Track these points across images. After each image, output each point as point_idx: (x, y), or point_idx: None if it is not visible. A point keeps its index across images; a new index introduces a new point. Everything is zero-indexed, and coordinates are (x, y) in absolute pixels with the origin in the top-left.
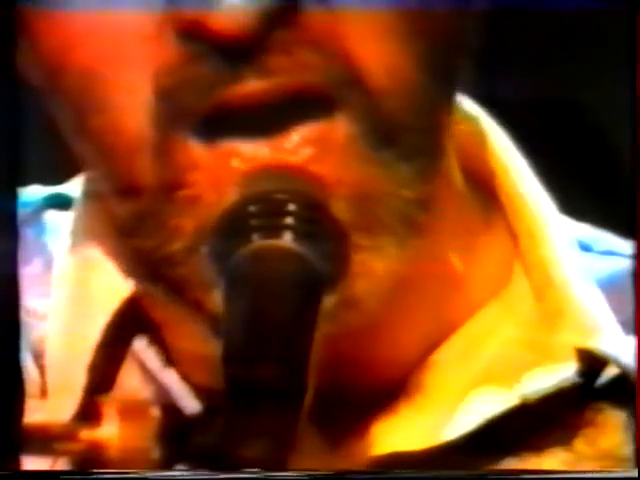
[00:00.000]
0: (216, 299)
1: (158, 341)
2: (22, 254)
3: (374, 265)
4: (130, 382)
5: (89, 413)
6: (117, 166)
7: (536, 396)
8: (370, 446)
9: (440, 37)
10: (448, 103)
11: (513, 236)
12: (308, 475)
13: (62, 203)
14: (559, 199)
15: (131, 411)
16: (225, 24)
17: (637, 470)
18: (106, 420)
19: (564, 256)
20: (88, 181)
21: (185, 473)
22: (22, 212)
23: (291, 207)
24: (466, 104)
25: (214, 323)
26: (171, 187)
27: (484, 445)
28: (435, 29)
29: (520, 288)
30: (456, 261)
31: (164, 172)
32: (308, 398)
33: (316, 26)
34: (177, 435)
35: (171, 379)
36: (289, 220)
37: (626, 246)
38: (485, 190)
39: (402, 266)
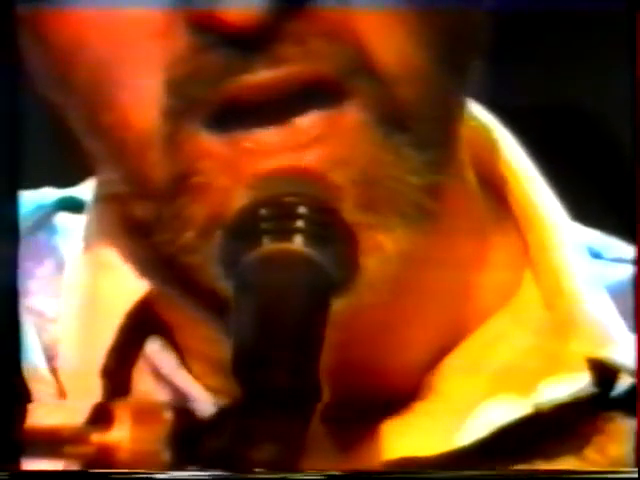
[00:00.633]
0: (229, 288)
1: (171, 343)
2: (34, 256)
3: (384, 244)
4: (143, 385)
5: (101, 416)
6: (130, 163)
7: (550, 405)
8: (381, 451)
9: (450, 29)
10: (459, 97)
11: (523, 243)
12: (323, 475)
13: (74, 206)
14: (570, 205)
15: (143, 414)
16: (236, 14)
17: (637, 470)
18: (118, 423)
19: (575, 265)
20: (100, 184)
21: (197, 473)
22: (34, 214)
23: (302, 210)
24: (479, 111)
25: (227, 317)
26: (183, 176)
27: (495, 452)
28: (445, 21)
29: (530, 296)
30: (468, 264)
31: (176, 164)
32: (320, 402)
33: (327, 16)
34: (189, 438)
35: (184, 381)
36: (300, 223)
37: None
38: (496, 197)
39: (412, 248)
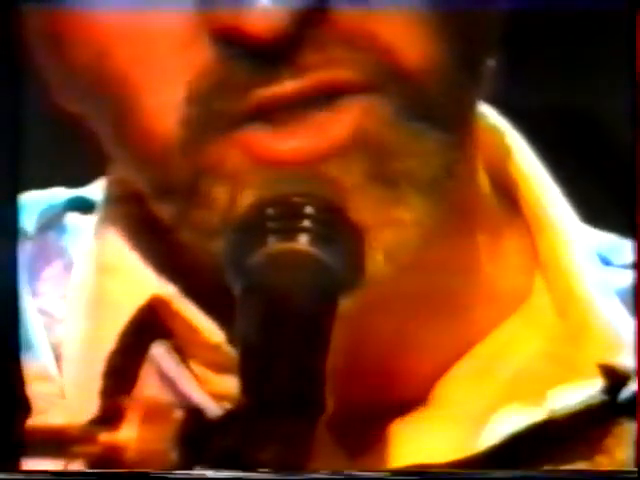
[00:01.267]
0: (236, 288)
1: (176, 347)
2: (43, 256)
3: (401, 215)
4: (148, 388)
5: (109, 415)
6: (153, 167)
7: (563, 412)
8: (390, 458)
9: (464, 27)
10: (474, 95)
11: (534, 249)
12: (330, 475)
13: (84, 206)
14: (580, 207)
15: (152, 413)
16: (258, 26)
17: (637, 470)
18: (126, 422)
19: (586, 271)
20: (111, 184)
21: (204, 472)
22: (44, 215)
23: (308, 210)
24: (491, 114)
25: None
26: (203, 179)
27: (506, 458)
28: (459, 20)
29: (541, 301)
30: (480, 268)
31: (196, 169)
32: (327, 407)
33: (348, 20)
34: (197, 438)
35: (189, 385)
36: (306, 223)
37: None
38: (509, 201)
39: (430, 221)
